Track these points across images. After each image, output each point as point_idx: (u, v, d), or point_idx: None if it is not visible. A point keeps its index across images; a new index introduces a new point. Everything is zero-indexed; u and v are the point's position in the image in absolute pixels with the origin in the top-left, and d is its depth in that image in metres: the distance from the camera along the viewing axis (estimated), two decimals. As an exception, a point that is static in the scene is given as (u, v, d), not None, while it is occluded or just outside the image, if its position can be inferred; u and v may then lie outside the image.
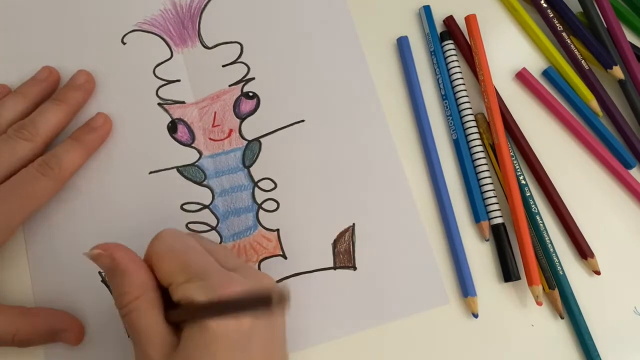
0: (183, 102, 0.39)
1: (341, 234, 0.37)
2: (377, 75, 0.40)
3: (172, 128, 0.39)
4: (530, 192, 0.37)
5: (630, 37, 0.40)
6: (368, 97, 0.40)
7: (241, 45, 0.40)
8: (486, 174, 0.37)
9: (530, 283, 0.35)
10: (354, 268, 0.37)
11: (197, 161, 0.38)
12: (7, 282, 0.37)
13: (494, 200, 0.37)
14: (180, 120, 0.39)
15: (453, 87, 0.39)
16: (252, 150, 0.39)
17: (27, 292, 0.36)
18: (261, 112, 0.39)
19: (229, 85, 0.40)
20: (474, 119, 0.38)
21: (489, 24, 0.40)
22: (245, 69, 0.40)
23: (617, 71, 0.38)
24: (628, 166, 0.38)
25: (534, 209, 0.37)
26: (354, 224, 0.38)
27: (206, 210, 0.38)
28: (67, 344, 0.34)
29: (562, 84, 0.39)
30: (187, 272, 0.27)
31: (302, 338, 0.36)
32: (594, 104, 0.39)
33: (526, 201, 0.37)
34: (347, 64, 0.40)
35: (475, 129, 0.38)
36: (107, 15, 0.41)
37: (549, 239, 0.36)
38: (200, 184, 0.38)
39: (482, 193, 0.37)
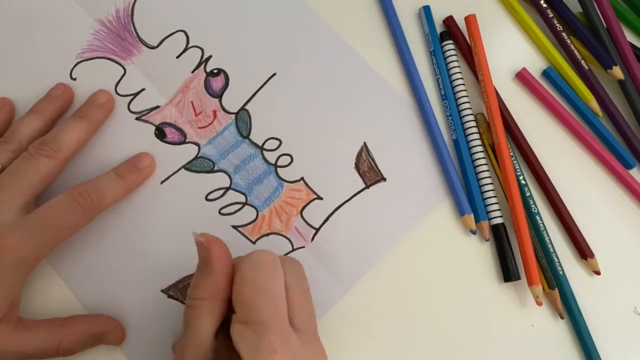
0: (158, 107, 0.39)
1: (358, 155, 0.39)
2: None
3: (160, 134, 0.39)
4: (530, 192, 0.37)
5: (630, 37, 0.40)
6: (317, 27, 0.40)
7: (184, 31, 0.40)
8: (486, 174, 0.37)
9: (530, 283, 0.35)
10: (384, 179, 0.38)
11: (199, 153, 0.39)
12: (44, 292, 0.36)
13: (494, 200, 0.37)
14: (164, 123, 0.39)
15: (453, 87, 0.39)
16: (243, 120, 0.39)
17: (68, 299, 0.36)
18: (233, 83, 0.40)
19: (192, 72, 0.40)
20: (474, 119, 0.38)
21: (489, 24, 0.40)
22: (199, 51, 0.40)
23: (617, 71, 0.38)
24: (628, 166, 0.38)
25: (534, 209, 0.37)
26: (365, 143, 0.39)
27: (231, 191, 0.38)
28: (110, 345, 0.35)
29: (562, 84, 0.39)
30: (250, 314, 0.27)
31: (371, 254, 0.37)
32: (593, 104, 0.39)
33: (526, 201, 0.37)
34: (297, 14, 0.41)
35: (475, 129, 0.38)
36: (44, 59, 0.39)
37: (549, 239, 0.36)
38: (212, 171, 0.38)
39: (482, 193, 0.37)
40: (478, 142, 0.38)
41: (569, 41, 0.39)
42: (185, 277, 0.37)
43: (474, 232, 0.37)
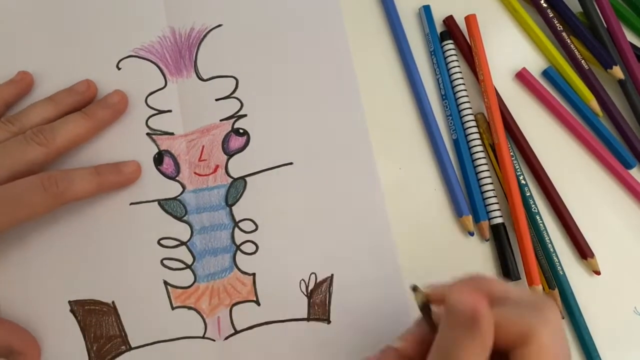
0: (172, 134, 0.39)
1: (319, 284, 0.36)
2: (378, 75, 0.40)
3: (158, 160, 0.38)
4: (530, 192, 0.37)
5: (630, 37, 0.40)
6: (361, 148, 0.38)
7: (237, 80, 0.40)
8: (486, 174, 0.37)
9: (530, 283, 0.35)
10: (328, 321, 0.36)
11: (179, 195, 0.38)
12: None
13: (494, 200, 0.37)
14: (167, 152, 0.38)
15: (453, 87, 0.39)
16: (236, 188, 0.38)
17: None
18: (250, 151, 0.39)
19: (220, 120, 0.39)
20: (474, 119, 0.38)
21: (489, 24, 0.40)
22: (239, 104, 0.39)
23: (617, 71, 0.38)
24: (628, 166, 0.38)
25: (534, 209, 0.37)
26: (332, 275, 0.37)
27: (183, 247, 0.37)
28: None
29: (562, 83, 0.39)
30: None
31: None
32: (594, 104, 0.39)
33: (526, 201, 0.37)
34: (343, 112, 0.39)
35: (475, 129, 0.38)
36: (104, 38, 0.40)
37: (549, 239, 0.36)
38: (180, 219, 0.37)
39: (482, 193, 0.37)
40: (478, 142, 0.38)
41: (569, 41, 0.39)
42: (92, 300, 0.36)
43: (471, 234, 0.37)
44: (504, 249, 0.36)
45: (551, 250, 0.36)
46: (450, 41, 0.40)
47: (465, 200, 0.37)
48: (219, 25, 0.40)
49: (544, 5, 0.40)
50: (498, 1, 0.41)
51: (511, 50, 0.40)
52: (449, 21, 0.40)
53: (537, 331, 0.23)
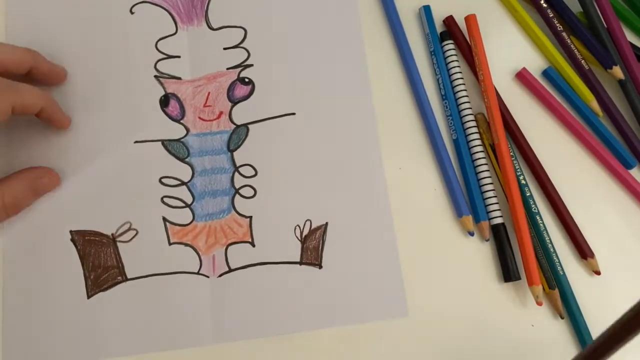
0: (179, 78, 0.40)
1: (313, 231, 0.37)
2: (378, 75, 0.40)
3: (164, 102, 0.39)
4: (530, 192, 0.37)
5: (630, 37, 0.40)
6: (362, 101, 0.39)
7: (245, 30, 0.41)
8: (486, 174, 0.37)
9: (530, 283, 0.35)
10: (320, 266, 0.37)
11: (183, 137, 0.39)
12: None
13: (494, 200, 0.37)
14: (173, 95, 0.39)
15: (453, 87, 0.39)
16: (238, 135, 0.39)
17: None
18: (254, 99, 0.40)
19: (227, 69, 0.40)
20: (474, 119, 0.38)
21: (489, 24, 0.40)
22: (246, 54, 0.40)
23: (617, 71, 0.38)
24: (628, 166, 0.38)
25: (534, 209, 0.37)
26: (327, 223, 0.37)
27: (183, 187, 0.38)
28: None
29: (562, 84, 0.39)
30: None
31: (258, 327, 0.36)
32: (594, 104, 0.39)
33: (526, 201, 0.37)
34: (347, 66, 0.40)
35: (475, 129, 0.38)
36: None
37: (549, 239, 0.37)
38: (182, 160, 0.38)
39: (482, 193, 0.37)
40: (478, 142, 0.38)
41: (569, 41, 0.39)
42: (92, 231, 0.37)
43: (471, 234, 0.37)
44: (504, 249, 0.36)
45: (551, 250, 0.36)
46: (451, 41, 0.40)
47: (466, 200, 0.37)
48: (232, -23, 0.41)
49: (544, 5, 0.40)
50: (498, 1, 0.41)
51: (511, 51, 0.41)
52: (449, 21, 0.40)
53: None
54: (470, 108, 0.39)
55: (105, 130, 0.39)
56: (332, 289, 0.36)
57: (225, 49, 0.40)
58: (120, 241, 0.37)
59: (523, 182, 0.37)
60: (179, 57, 0.40)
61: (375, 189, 0.38)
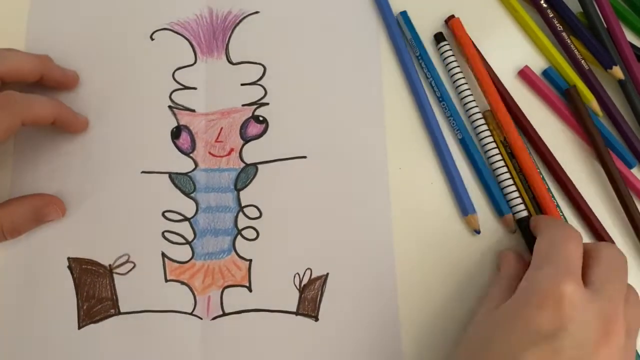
0: (193, 111, 0.39)
1: (312, 281, 0.36)
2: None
3: (176, 133, 0.39)
4: (547, 185, 0.38)
5: (630, 37, 0.40)
6: (377, 152, 0.38)
7: (265, 67, 0.40)
8: (503, 169, 0.37)
9: None
10: (316, 319, 0.36)
11: (191, 172, 0.38)
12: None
13: (516, 194, 0.37)
14: (186, 127, 0.39)
15: (456, 88, 0.39)
16: (247, 173, 0.38)
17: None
18: (266, 139, 0.39)
19: (242, 105, 0.39)
20: (482, 116, 0.38)
21: (489, 24, 0.41)
22: (262, 92, 0.40)
23: (617, 71, 0.38)
24: (628, 166, 0.38)
25: (555, 202, 0.37)
26: (327, 274, 0.37)
27: (186, 223, 0.37)
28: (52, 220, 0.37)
29: (563, 84, 0.39)
30: (544, 260, 0.31)
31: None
32: (594, 104, 0.39)
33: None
34: (364, 116, 0.39)
35: (485, 127, 0.38)
36: (143, 7, 0.41)
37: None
38: (187, 195, 0.38)
39: (501, 189, 0.37)
40: (490, 139, 0.38)
41: (569, 41, 0.39)
42: (90, 260, 0.36)
43: (478, 232, 0.37)
44: (532, 241, 0.36)
45: None
46: (446, 42, 0.40)
47: (470, 198, 0.37)
48: (256, 12, 0.41)
49: (544, 5, 0.40)
50: (498, 1, 0.41)
51: (511, 51, 0.41)
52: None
53: (542, 229, 0.34)
54: (477, 107, 0.38)
55: (113, 157, 0.38)
56: (327, 343, 0.35)
57: (242, 84, 0.40)
58: (116, 273, 0.36)
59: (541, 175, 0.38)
60: (195, 88, 0.40)
61: (381, 245, 0.37)
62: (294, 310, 0.36)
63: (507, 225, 0.37)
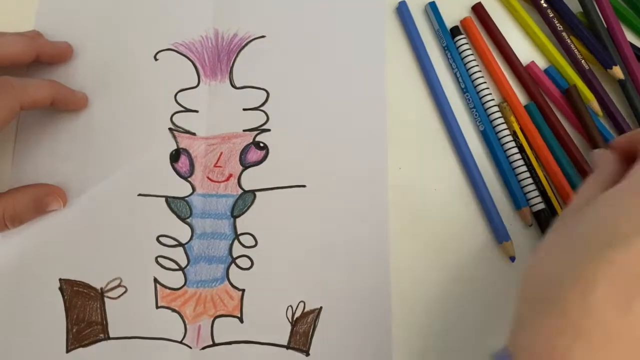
0: (194, 134, 0.39)
1: (305, 314, 0.36)
2: (395, 80, 0.40)
3: (175, 157, 0.38)
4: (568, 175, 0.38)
5: (630, 37, 0.40)
6: (377, 188, 0.38)
7: (268, 93, 0.39)
8: (520, 162, 0.38)
9: None
10: (307, 354, 0.35)
11: (187, 196, 0.38)
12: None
13: (532, 187, 0.37)
14: (185, 150, 0.38)
15: (472, 81, 0.39)
16: (244, 201, 0.38)
17: None
18: (266, 166, 0.38)
19: (244, 130, 0.39)
20: (498, 109, 0.38)
21: None
22: (264, 118, 0.39)
23: (617, 71, 0.38)
24: None
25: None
26: (321, 308, 0.36)
27: (180, 248, 0.37)
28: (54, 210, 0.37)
29: (563, 84, 0.39)
30: None
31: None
32: (594, 104, 0.39)
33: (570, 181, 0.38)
34: (366, 152, 0.38)
35: (501, 119, 0.38)
36: (148, 27, 0.40)
37: None
38: (183, 220, 0.37)
39: (519, 182, 0.37)
40: (506, 131, 0.38)
41: (569, 41, 0.39)
42: (82, 282, 0.36)
43: (513, 259, 0.37)
44: None
45: None
46: (463, 36, 0.40)
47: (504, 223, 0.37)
48: (262, 36, 0.40)
49: (544, 5, 0.40)
50: (498, 1, 0.41)
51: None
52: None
53: None
54: (494, 99, 0.39)
55: (110, 178, 0.38)
56: None
57: (244, 109, 0.39)
58: (108, 297, 0.36)
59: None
60: (196, 111, 0.39)
61: (378, 282, 0.36)
62: (285, 343, 0.35)
63: (524, 218, 0.37)
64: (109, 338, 0.35)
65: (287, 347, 0.35)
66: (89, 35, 0.40)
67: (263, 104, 0.39)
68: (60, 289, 0.36)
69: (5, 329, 0.35)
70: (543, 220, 0.37)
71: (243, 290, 0.36)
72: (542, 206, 0.37)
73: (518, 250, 0.37)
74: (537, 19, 0.40)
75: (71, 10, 0.41)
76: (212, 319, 0.36)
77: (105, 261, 0.37)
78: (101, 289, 0.36)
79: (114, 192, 0.38)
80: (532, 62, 0.40)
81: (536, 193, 0.37)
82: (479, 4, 0.41)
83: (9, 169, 0.38)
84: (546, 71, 0.40)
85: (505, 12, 0.41)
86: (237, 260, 0.37)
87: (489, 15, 0.40)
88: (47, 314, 0.36)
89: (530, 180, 0.37)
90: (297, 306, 0.36)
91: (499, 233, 0.37)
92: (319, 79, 0.40)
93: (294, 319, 0.36)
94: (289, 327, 0.36)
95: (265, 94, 0.39)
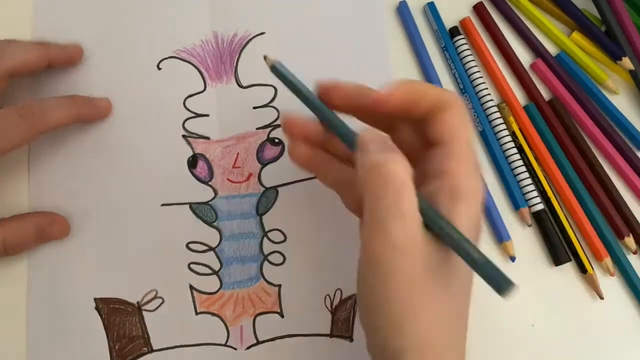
0: (208, 138, 0.39)
1: (343, 301, 0.36)
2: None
3: (192, 163, 0.38)
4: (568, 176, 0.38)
5: None
6: None
7: (275, 89, 0.40)
8: (519, 162, 0.38)
9: (599, 258, 0.36)
10: (351, 339, 0.36)
11: (211, 200, 0.38)
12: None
13: (531, 187, 0.37)
14: (202, 155, 0.38)
15: (471, 81, 0.39)
16: (268, 198, 0.38)
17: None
18: (284, 161, 0.38)
19: (257, 128, 0.39)
20: (497, 110, 0.38)
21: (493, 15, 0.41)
22: (276, 114, 0.39)
23: (627, 62, 0.38)
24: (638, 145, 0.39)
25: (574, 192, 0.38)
26: (358, 293, 0.36)
27: (211, 253, 0.37)
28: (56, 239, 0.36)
29: (576, 68, 0.39)
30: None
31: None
32: (609, 83, 0.39)
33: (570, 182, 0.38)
34: None
35: (500, 120, 0.38)
36: (147, 37, 0.40)
37: (598, 214, 0.37)
38: (210, 224, 0.37)
39: (518, 182, 0.38)
40: (506, 132, 0.38)
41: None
42: (118, 299, 0.36)
43: (513, 259, 0.37)
44: (549, 233, 0.36)
45: (601, 225, 0.37)
46: (462, 36, 0.40)
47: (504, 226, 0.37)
48: (262, 33, 0.40)
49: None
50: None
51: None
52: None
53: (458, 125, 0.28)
54: (493, 100, 0.38)
55: (131, 192, 0.38)
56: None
57: (255, 107, 0.39)
58: (145, 310, 0.36)
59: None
60: (207, 115, 0.39)
61: None
62: (328, 332, 0.36)
63: (523, 218, 0.37)
64: (152, 351, 0.35)
65: (331, 335, 0.36)
66: (88, 50, 0.40)
67: (272, 100, 0.39)
68: (97, 308, 0.36)
69: (48, 356, 0.35)
70: (542, 220, 0.37)
71: (279, 286, 0.36)
72: (541, 206, 0.37)
73: (518, 250, 0.37)
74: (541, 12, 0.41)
75: (67, 26, 0.40)
76: (252, 317, 0.36)
77: (138, 275, 0.36)
78: (138, 303, 0.36)
79: (137, 205, 0.37)
80: (539, 59, 0.39)
81: (535, 193, 0.37)
82: (480, 3, 0.40)
83: (25, 187, 0.37)
84: (558, 56, 0.39)
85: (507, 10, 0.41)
86: (269, 257, 0.37)
87: (490, 15, 0.40)
88: (87, 336, 0.35)
89: (529, 181, 0.37)
90: (335, 294, 0.36)
91: (499, 233, 0.37)
92: (324, 68, 0.40)
93: (334, 307, 0.36)
94: (329, 316, 0.36)
95: (273, 90, 0.40)
